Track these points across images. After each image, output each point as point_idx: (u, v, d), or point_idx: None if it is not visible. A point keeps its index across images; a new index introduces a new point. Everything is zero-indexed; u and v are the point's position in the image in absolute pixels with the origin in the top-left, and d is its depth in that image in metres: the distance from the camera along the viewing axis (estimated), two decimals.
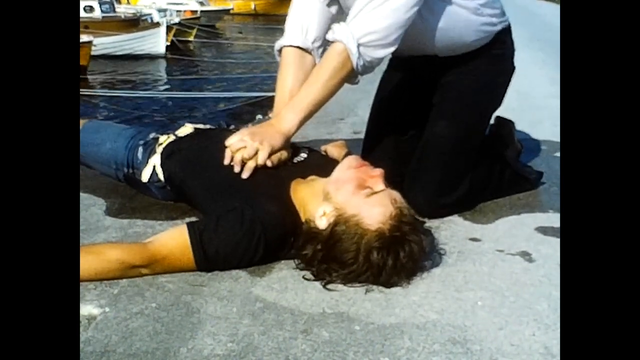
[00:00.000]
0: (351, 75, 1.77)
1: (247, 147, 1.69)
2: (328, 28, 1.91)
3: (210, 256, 1.52)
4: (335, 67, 1.73)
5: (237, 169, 1.68)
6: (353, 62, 1.71)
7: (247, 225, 1.53)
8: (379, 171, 1.56)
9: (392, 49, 1.74)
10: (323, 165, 1.71)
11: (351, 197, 1.51)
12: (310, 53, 1.94)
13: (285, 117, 1.76)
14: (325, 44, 1.94)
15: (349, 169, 1.59)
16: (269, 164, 1.70)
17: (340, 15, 1.94)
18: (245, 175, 1.67)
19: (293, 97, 1.83)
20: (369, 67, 1.77)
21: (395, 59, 1.82)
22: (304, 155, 1.83)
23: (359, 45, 1.70)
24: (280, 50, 1.98)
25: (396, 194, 1.54)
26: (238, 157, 1.69)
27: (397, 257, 1.47)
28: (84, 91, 13.08)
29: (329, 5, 1.94)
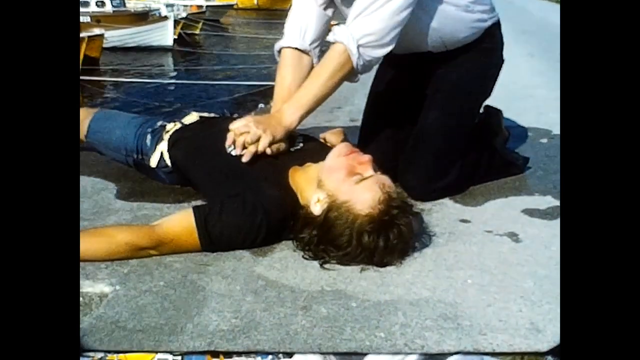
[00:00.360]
0: (351, 74, 1.77)
1: (250, 133, 1.68)
2: (325, 30, 1.93)
3: (215, 238, 1.51)
4: (336, 66, 1.73)
5: (237, 152, 1.67)
6: (353, 62, 1.71)
7: (250, 209, 1.52)
8: (367, 157, 1.55)
9: (390, 48, 1.74)
10: (318, 152, 1.70)
11: (342, 184, 1.51)
12: (307, 54, 1.94)
13: (287, 112, 1.75)
14: (322, 44, 1.94)
15: (339, 156, 1.58)
16: (268, 152, 1.68)
17: (337, 17, 1.95)
18: (245, 159, 1.66)
19: (292, 94, 1.82)
20: (367, 66, 1.77)
21: (391, 54, 1.83)
22: (300, 143, 1.82)
23: (358, 46, 1.70)
24: (279, 51, 1.97)
25: (385, 179, 1.53)
26: (240, 140, 1.68)
27: (387, 239, 1.46)
28: (95, 80, 13.04)
29: (325, 8, 1.94)
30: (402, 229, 1.48)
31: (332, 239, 1.49)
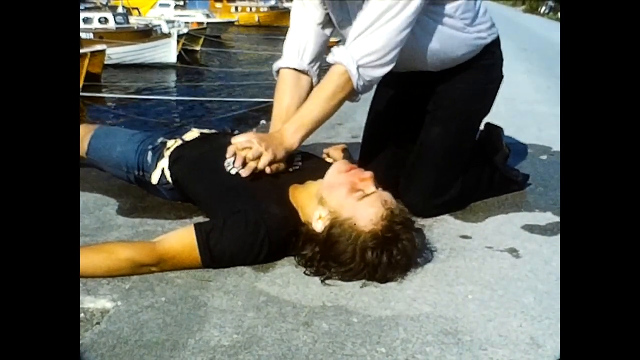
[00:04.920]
0: (351, 95, 1.77)
1: (252, 149, 1.68)
2: (323, 49, 1.94)
3: (216, 256, 1.51)
4: (336, 87, 1.73)
5: (238, 163, 1.66)
6: (353, 83, 1.72)
7: (252, 227, 1.52)
8: (369, 174, 1.55)
9: (389, 67, 1.74)
10: (318, 170, 1.69)
11: (344, 200, 1.51)
12: (306, 74, 1.95)
13: (288, 133, 1.75)
14: (322, 63, 1.95)
15: (339, 173, 1.58)
16: (267, 170, 1.68)
17: (335, 35, 1.97)
18: (244, 174, 1.65)
19: (290, 114, 1.83)
20: (368, 87, 1.77)
21: (391, 72, 1.83)
22: (298, 162, 1.82)
23: (358, 67, 1.70)
24: (278, 71, 1.98)
25: (387, 195, 1.54)
26: (242, 155, 1.68)
27: (390, 255, 1.47)
28: (97, 95, 13.07)
29: (323, 27, 1.95)
30: (405, 245, 1.48)
31: (335, 256, 1.49)
